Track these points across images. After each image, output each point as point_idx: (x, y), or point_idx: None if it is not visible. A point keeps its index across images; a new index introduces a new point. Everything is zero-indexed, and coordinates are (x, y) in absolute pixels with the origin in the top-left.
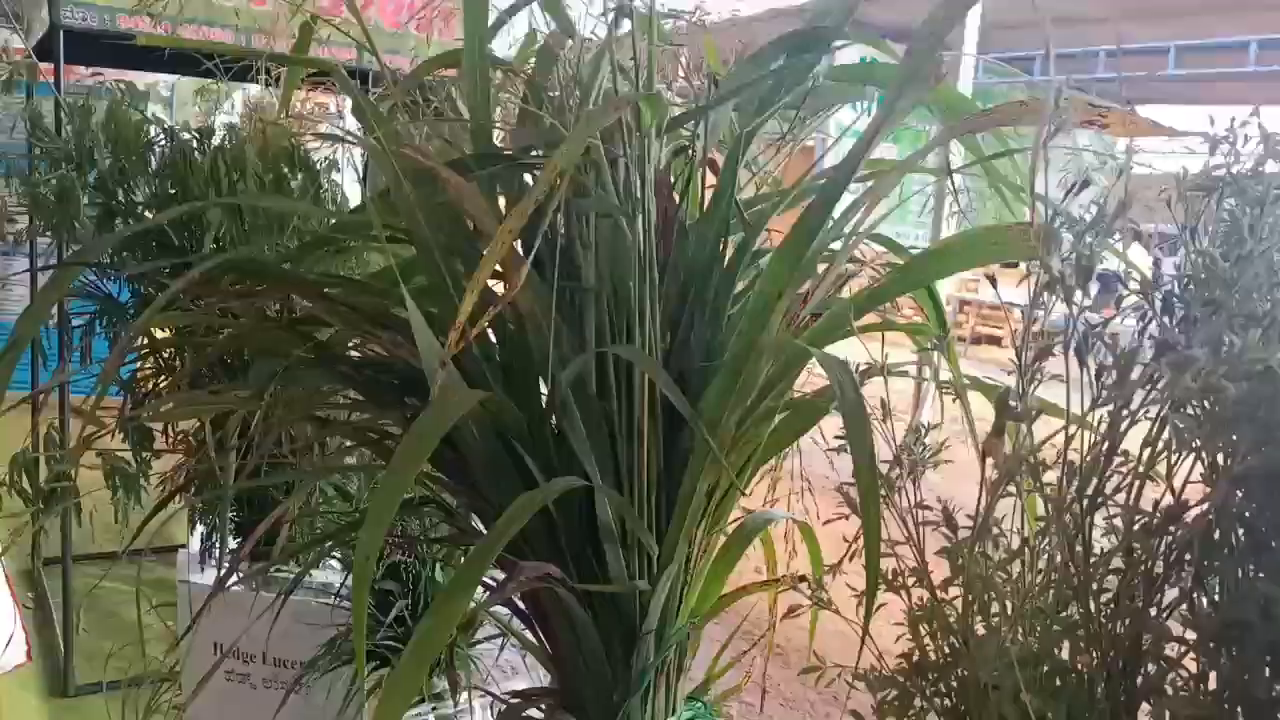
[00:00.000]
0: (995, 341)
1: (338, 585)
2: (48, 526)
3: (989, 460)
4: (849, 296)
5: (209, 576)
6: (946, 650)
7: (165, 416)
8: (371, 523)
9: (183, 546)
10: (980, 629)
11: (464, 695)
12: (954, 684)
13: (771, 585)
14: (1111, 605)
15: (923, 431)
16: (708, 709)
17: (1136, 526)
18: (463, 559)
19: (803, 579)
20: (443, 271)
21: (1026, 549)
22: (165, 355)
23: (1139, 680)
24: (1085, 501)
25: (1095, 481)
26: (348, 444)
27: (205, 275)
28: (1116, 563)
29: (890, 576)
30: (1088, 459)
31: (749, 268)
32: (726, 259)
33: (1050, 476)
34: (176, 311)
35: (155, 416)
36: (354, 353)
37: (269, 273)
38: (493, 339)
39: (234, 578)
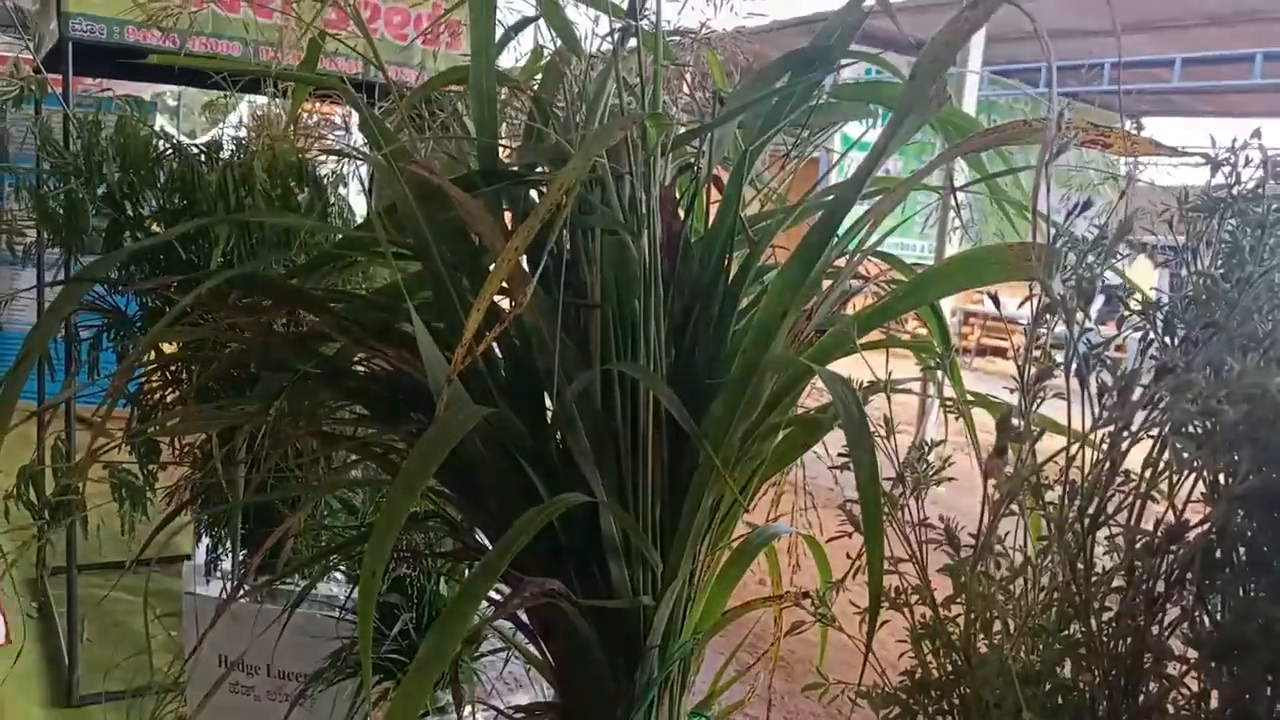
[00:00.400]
0: (1001, 353)
1: (342, 598)
2: (53, 538)
3: (991, 480)
4: (853, 313)
5: (214, 588)
6: (949, 668)
7: (172, 430)
8: (378, 537)
9: (187, 557)
10: (982, 647)
11: (468, 709)
12: (956, 701)
13: (774, 601)
14: (1113, 624)
15: (926, 449)
16: None
17: (1138, 545)
18: (467, 573)
19: (806, 595)
20: (448, 287)
21: (1028, 567)
22: (172, 369)
23: (1140, 698)
24: (1087, 520)
25: (1097, 500)
26: (353, 458)
27: (213, 290)
28: (1118, 581)
29: (893, 594)
30: (1089, 478)
31: (753, 284)
32: (731, 275)
33: (1052, 495)
34: (184, 326)
35: (162, 430)
36: (360, 368)
37: (276, 288)
38: (498, 354)
39: (240, 591)
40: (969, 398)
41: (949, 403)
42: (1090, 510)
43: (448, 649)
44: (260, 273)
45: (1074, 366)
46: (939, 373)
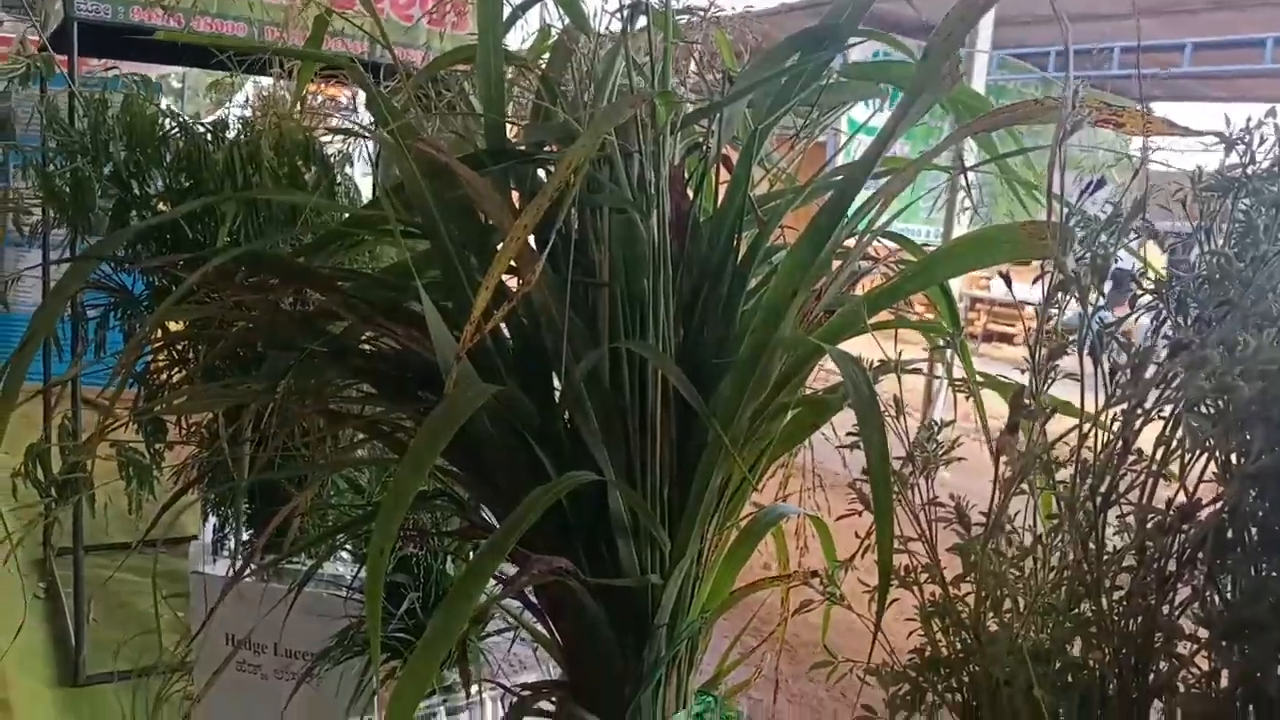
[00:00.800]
0: (1006, 339)
1: (349, 577)
2: (60, 517)
3: (1002, 458)
4: (863, 294)
5: (221, 567)
6: (959, 646)
7: (179, 409)
8: (385, 516)
9: (194, 538)
10: (992, 625)
11: (475, 688)
12: (966, 679)
13: (783, 580)
14: (1124, 602)
15: (935, 428)
16: (718, 703)
17: (1149, 524)
18: (474, 552)
19: (814, 575)
20: (456, 265)
21: (1039, 546)
22: (179, 348)
23: (1151, 677)
24: (1098, 499)
25: (1108, 479)
26: (360, 437)
27: (220, 269)
28: (1129, 560)
29: (902, 572)
30: (1101, 457)
31: (762, 264)
32: (740, 255)
33: (1063, 474)
34: (191, 305)
35: (169, 409)
36: (367, 346)
37: (283, 266)
38: (506, 333)
39: (247, 570)
40: (979, 378)
41: (959, 383)
42: (1102, 489)
43: (455, 628)
44: (267, 251)
45: (1087, 344)
46: (948, 352)
